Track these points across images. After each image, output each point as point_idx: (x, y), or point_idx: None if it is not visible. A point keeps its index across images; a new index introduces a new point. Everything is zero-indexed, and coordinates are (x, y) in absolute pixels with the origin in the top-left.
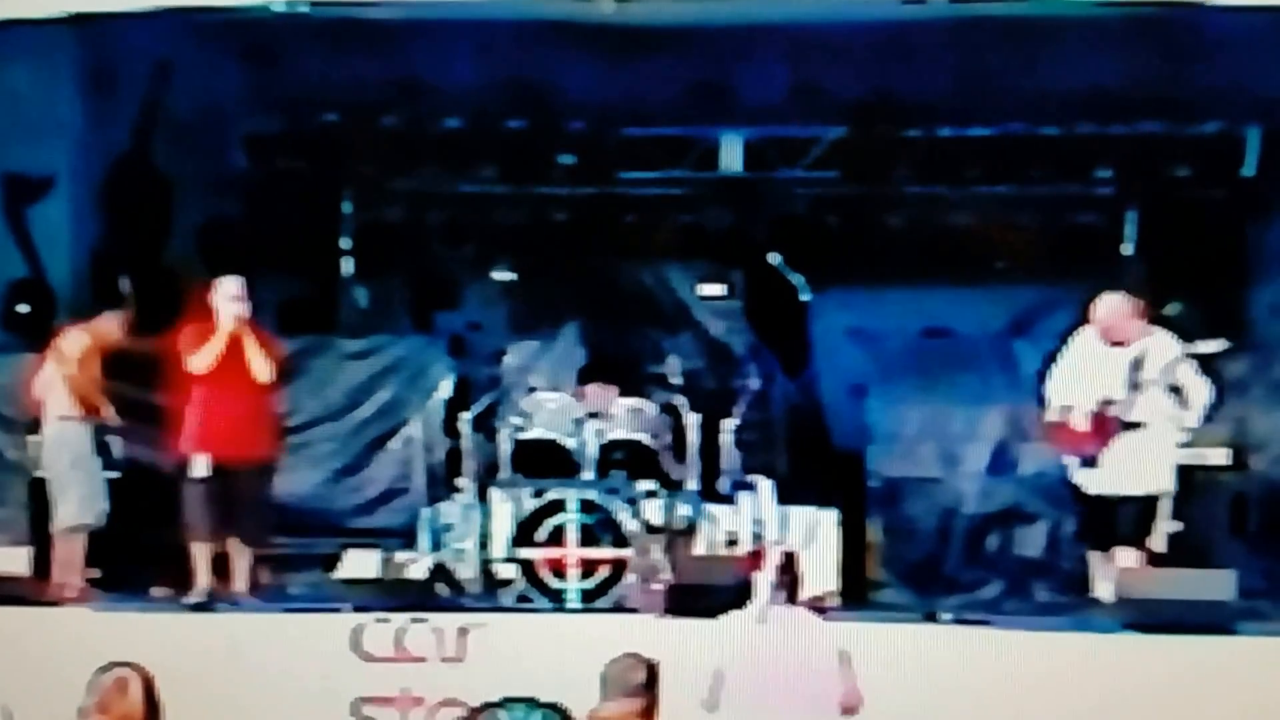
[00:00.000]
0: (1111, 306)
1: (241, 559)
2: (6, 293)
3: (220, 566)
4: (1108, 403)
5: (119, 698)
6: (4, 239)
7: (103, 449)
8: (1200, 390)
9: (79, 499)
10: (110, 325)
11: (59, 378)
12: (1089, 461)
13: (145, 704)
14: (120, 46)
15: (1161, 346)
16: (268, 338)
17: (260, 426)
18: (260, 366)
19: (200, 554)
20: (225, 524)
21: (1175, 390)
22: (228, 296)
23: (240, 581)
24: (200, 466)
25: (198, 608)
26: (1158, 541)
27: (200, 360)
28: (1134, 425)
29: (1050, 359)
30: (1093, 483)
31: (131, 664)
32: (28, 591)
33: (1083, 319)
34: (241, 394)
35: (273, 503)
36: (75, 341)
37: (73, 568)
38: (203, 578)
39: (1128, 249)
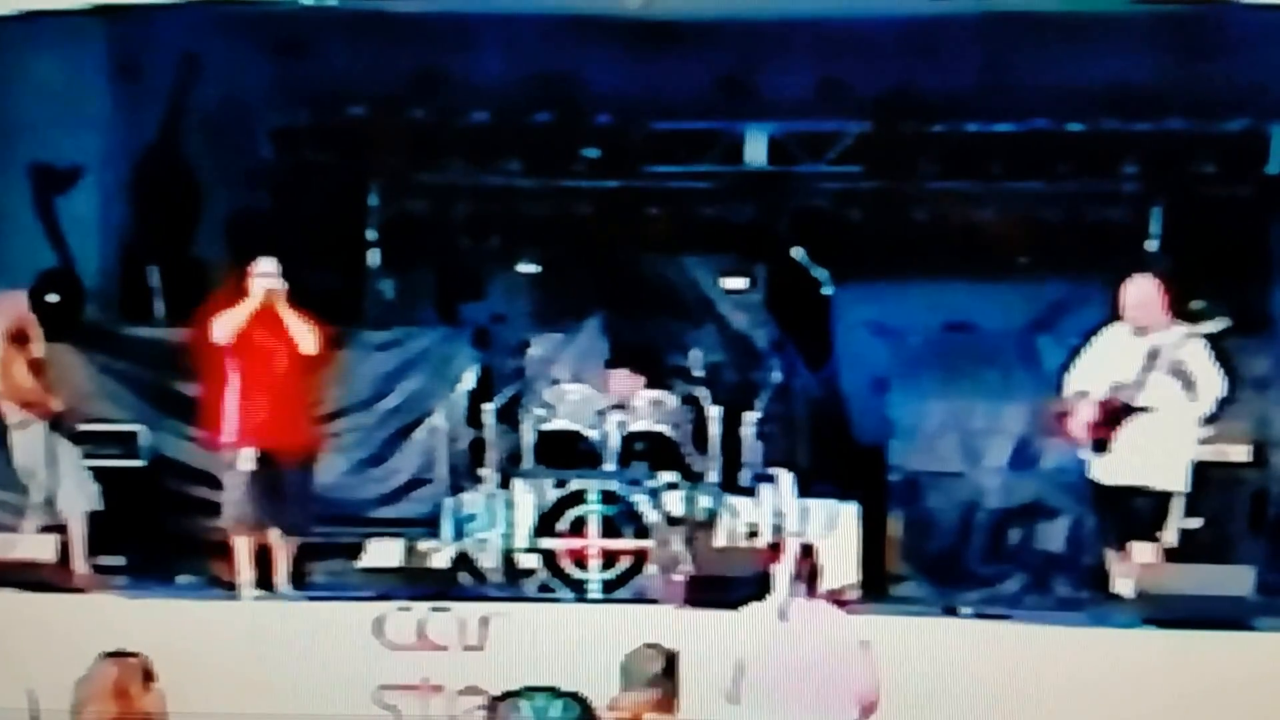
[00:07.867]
0: (1141, 289)
1: (282, 551)
2: (35, 283)
3: (260, 559)
4: (1117, 388)
5: (109, 695)
6: (33, 229)
7: (74, 437)
8: (1209, 376)
9: (62, 491)
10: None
11: None
12: (1099, 446)
13: (142, 692)
14: (148, 38)
15: (1178, 339)
16: (309, 319)
17: (301, 414)
18: (304, 338)
19: (242, 547)
20: (268, 516)
21: (1182, 374)
22: (262, 273)
23: (282, 574)
24: (246, 460)
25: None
26: (1170, 536)
27: (222, 327)
28: (1141, 410)
29: (1074, 354)
30: (1104, 471)
31: (125, 652)
32: (54, 578)
33: (1112, 315)
34: (280, 378)
35: (315, 493)
36: None
37: (77, 555)
38: (245, 571)
39: (1152, 245)
